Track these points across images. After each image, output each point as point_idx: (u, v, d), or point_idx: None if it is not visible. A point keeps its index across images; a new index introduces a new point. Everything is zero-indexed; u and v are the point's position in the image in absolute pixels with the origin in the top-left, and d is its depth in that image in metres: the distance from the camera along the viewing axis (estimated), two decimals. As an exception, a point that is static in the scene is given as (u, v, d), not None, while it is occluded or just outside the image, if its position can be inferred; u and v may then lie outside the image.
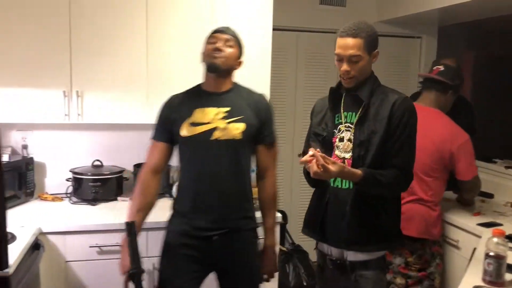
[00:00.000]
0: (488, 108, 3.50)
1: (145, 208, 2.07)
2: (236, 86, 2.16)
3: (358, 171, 1.88)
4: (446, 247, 2.77)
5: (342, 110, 2.06)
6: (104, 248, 2.52)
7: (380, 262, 2.06)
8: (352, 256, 2.03)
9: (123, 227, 1.92)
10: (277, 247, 2.29)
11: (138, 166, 3.03)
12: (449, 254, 2.75)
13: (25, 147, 2.97)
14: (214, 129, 2.02)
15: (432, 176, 2.62)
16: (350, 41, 1.91)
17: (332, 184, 2.03)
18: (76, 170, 2.92)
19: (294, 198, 4.08)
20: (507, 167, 3.25)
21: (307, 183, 2.16)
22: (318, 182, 2.04)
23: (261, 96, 2.17)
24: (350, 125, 2.02)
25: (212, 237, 2.02)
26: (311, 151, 1.82)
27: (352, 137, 2.00)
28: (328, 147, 2.05)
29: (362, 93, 2.00)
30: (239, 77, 2.26)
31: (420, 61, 4.24)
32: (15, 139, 2.84)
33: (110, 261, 2.52)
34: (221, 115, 2.04)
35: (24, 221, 2.47)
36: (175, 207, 2.14)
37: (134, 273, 1.86)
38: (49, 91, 2.68)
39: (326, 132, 2.08)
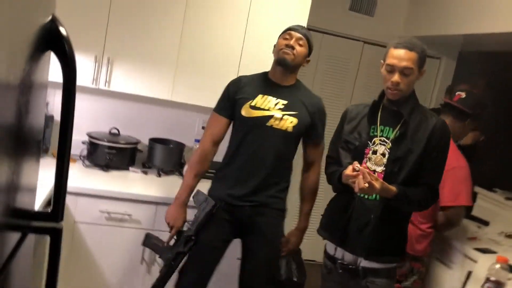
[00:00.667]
0: (496, 138, 3.57)
1: (201, 174, 2.35)
2: (298, 83, 2.34)
3: (394, 188, 1.92)
4: (437, 265, 2.84)
5: (378, 123, 2.07)
6: (113, 215, 2.58)
7: (391, 272, 2.12)
8: (366, 263, 2.06)
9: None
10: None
11: (153, 141, 3.09)
12: (439, 272, 2.82)
13: (46, 104, 2.99)
14: (271, 116, 2.23)
15: None
16: (405, 53, 1.93)
17: (358, 194, 2.02)
18: (92, 135, 2.95)
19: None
20: (507, 198, 3.30)
21: (332, 188, 2.21)
22: (345, 189, 2.03)
23: (318, 99, 2.36)
24: (386, 140, 2.03)
25: (244, 207, 2.28)
26: (356, 165, 1.87)
27: (386, 152, 2.02)
28: (358, 157, 2.05)
29: (404, 109, 2.01)
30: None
31: (436, 81, 4.29)
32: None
33: (117, 228, 2.60)
34: (279, 106, 2.23)
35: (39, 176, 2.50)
36: (218, 175, 2.36)
37: (188, 235, 2.25)
38: (81, 54, 2.69)
39: (358, 142, 2.08)
